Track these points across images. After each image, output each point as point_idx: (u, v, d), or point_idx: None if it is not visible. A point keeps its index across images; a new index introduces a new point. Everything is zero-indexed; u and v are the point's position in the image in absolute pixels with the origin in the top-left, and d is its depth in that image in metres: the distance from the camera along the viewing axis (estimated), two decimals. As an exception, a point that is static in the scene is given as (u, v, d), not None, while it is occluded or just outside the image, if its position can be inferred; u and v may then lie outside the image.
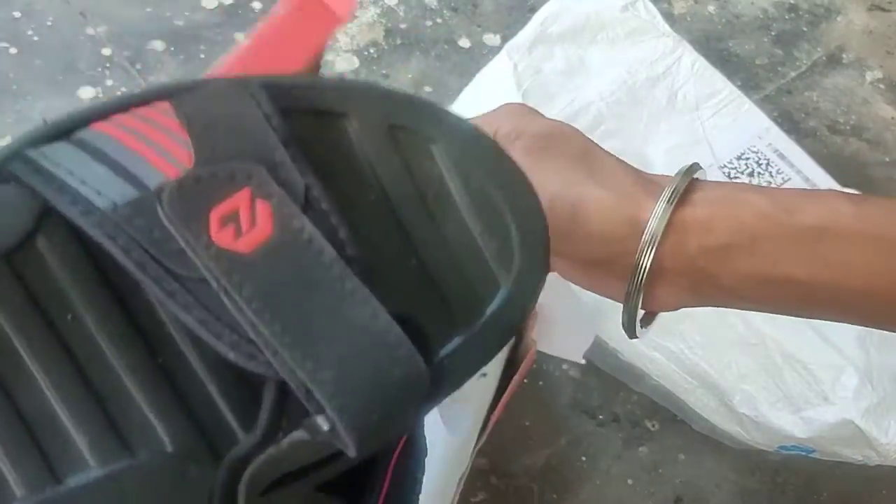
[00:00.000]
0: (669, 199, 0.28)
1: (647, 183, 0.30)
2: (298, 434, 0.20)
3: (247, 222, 0.19)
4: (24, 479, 0.19)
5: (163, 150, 0.20)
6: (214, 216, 0.19)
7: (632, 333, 0.32)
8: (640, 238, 0.28)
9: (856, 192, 0.78)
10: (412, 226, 0.21)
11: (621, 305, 0.31)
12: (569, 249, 0.29)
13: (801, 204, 0.28)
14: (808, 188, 0.32)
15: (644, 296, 0.30)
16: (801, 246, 0.28)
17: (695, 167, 0.30)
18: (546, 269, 0.23)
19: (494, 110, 0.34)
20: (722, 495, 0.67)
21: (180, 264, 0.19)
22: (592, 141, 0.32)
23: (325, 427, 0.19)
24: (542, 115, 0.32)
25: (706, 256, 0.28)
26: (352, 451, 0.19)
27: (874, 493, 0.69)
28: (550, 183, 0.28)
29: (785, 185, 0.77)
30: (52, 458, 0.20)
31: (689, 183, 0.29)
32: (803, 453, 0.65)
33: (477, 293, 0.22)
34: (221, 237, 0.19)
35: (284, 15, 0.42)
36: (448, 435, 0.49)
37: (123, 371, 0.20)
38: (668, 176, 0.30)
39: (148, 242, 0.19)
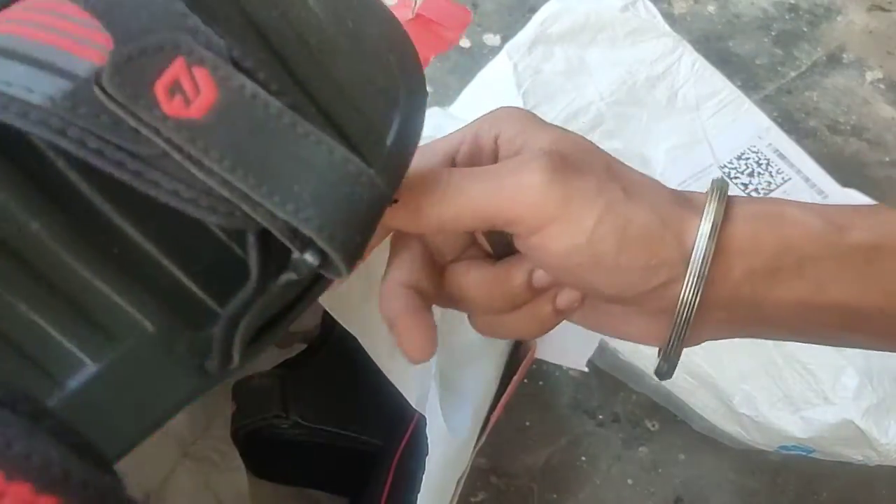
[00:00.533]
0: (714, 219, 0.25)
1: (684, 200, 0.26)
2: (287, 276, 0.21)
3: (191, 90, 0.19)
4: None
5: (78, 38, 0.19)
6: (160, 89, 0.19)
7: (669, 376, 0.28)
8: (686, 265, 0.24)
9: (857, 192, 0.79)
10: (307, 76, 0.22)
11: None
12: (609, 283, 0.25)
13: (852, 219, 0.25)
14: (855, 205, 0.28)
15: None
16: (853, 267, 0.25)
17: (725, 183, 0.27)
18: (424, 89, 0.25)
19: (492, 113, 0.30)
20: (722, 495, 0.67)
21: (137, 143, 0.19)
22: (606, 152, 0.28)
23: (315, 261, 0.21)
24: (541, 119, 0.29)
25: (751, 282, 0.25)
26: (345, 272, 0.21)
27: (874, 493, 0.69)
28: (590, 205, 0.24)
29: (785, 185, 0.77)
30: (48, 366, 0.21)
31: (726, 196, 0.26)
32: (803, 453, 0.65)
33: (376, 128, 0.23)
34: (173, 108, 0.19)
35: None
36: (448, 435, 0.49)
37: (85, 269, 0.21)
38: (696, 192, 0.27)
39: (99, 129, 0.19)
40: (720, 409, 0.66)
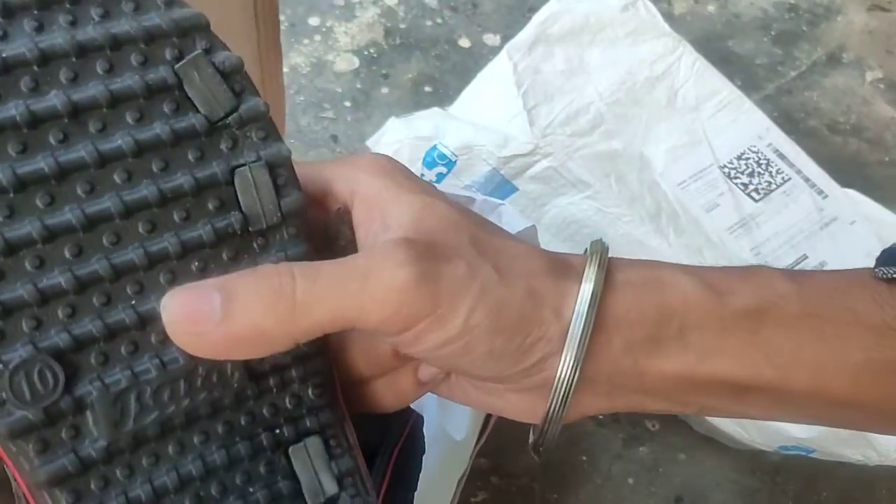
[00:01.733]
0: (593, 289, 0.23)
1: (561, 267, 0.24)
2: None
3: None
4: None
5: None
6: None
7: (546, 454, 0.26)
8: (564, 339, 0.22)
9: (856, 192, 0.79)
10: None
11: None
12: (482, 367, 0.23)
13: (734, 284, 0.24)
14: (737, 265, 0.25)
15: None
16: (736, 336, 0.23)
17: (604, 246, 0.24)
18: None
19: (352, 162, 0.25)
20: (722, 495, 0.67)
21: None
22: (472, 215, 0.25)
23: None
24: (404, 177, 0.25)
25: (632, 354, 0.23)
26: None
27: (874, 493, 0.69)
28: (461, 296, 0.22)
29: (785, 185, 0.77)
30: None
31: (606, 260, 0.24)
32: (803, 453, 0.65)
33: None
34: None
35: None
36: (446, 434, 0.49)
37: None
38: (574, 256, 0.25)
39: None
40: (720, 408, 0.66)
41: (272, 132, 0.23)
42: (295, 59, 0.88)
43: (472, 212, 0.25)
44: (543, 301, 0.23)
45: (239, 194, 0.22)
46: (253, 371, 0.23)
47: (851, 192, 0.78)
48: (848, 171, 0.87)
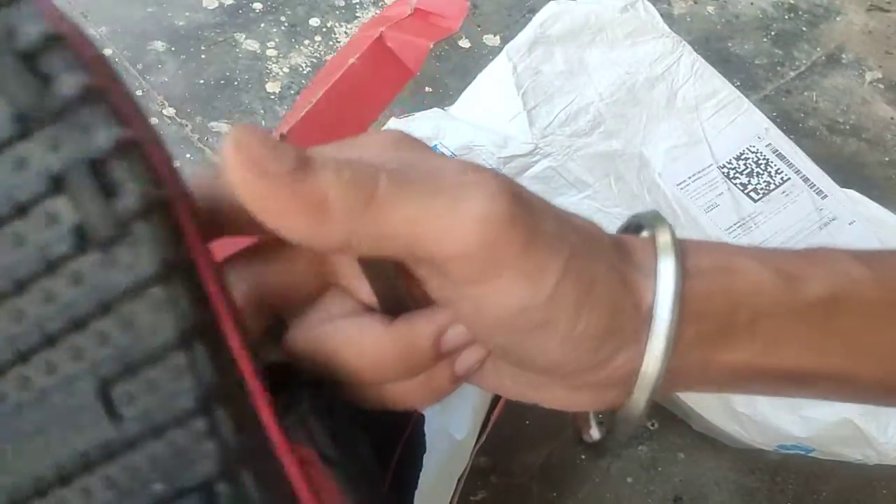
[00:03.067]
0: (675, 280, 0.20)
1: (625, 251, 0.21)
2: None
3: None
4: None
5: None
6: None
7: (610, 452, 0.24)
8: (642, 329, 0.20)
9: (856, 192, 0.79)
10: None
11: None
12: (556, 354, 0.20)
13: (806, 270, 0.22)
14: (806, 248, 0.23)
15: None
16: (809, 324, 0.21)
17: (672, 229, 0.22)
18: None
19: (369, 140, 0.21)
20: (721, 494, 0.67)
21: None
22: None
23: None
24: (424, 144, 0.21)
25: (701, 345, 0.21)
26: None
27: (873, 493, 0.69)
28: (555, 255, 0.19)
29: (784, 185, 0.77)
30: None
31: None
32: (802, 452, 0.65)
33: None
34: None
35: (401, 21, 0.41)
36: (449, 434, 0.49)
37: None
38: (632, 238, 0.22)
39: None
40: (719, 407, 0.66)
41: (103, 116, 0.17)
42: (296, 59, 0.88)
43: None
44: (626, 287, 0.20)
45: (62, 206, 0.17)
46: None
47: (851, 192, 0.78)
48: (847, 172, 0.87)
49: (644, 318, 0.20)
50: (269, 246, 0.22)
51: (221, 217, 0.20)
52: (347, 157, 0.19)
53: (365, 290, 0.22)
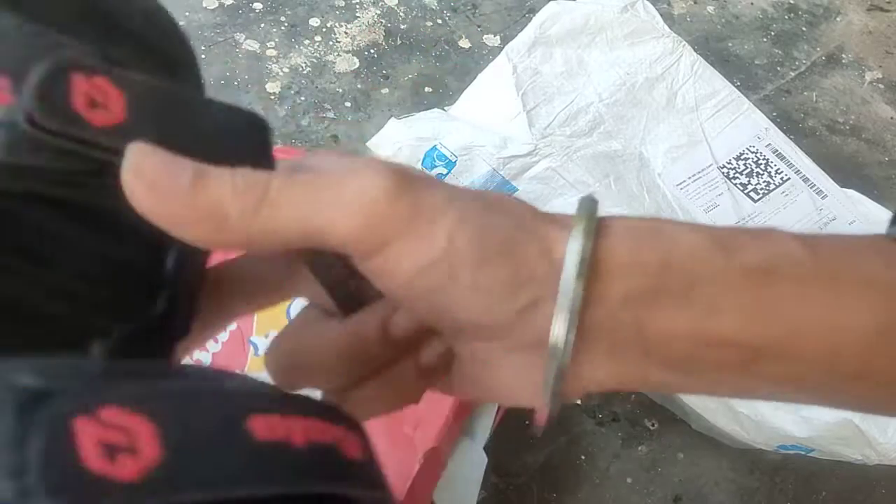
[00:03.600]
0: (586, 227, 0.21)
1: (550, 216, 0.22)
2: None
3: (103, 99, 0.19)
4: None
5: None
6: (81, 108, 0.18)
7: (546, 427, 0.23)
8: (556, 284, 0.20)
9: (855, 192, 0.79)
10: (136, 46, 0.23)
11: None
12: (469, 305, 0.21)
13: (745, 241, 0.22)
14: (751, 226, 0.22)
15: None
16: (745, 292, 0.21)
17: (594, 201, 0.22)
18: None
19: (314, 153, 0.24)
20: (721, 494, 0.67)
21: (84, 163, 0.19)
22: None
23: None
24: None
25: (632, 305, 0.21)
26: None
27: (873, 493, 0.69)
28: (441, 216, 0.20)
29: (784, 185, 0.77)
30: None
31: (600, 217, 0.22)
32: (802, 452, 0.66)
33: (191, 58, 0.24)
34: (99, 119, 0.19)
35: None
36: (469, 442, 0.51)
37: None
38: (566, 214, 0.22)
39: (49, 163, 0.19)
40: (719, 408, 0.66)
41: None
42: (296, 59, 0.88)
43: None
44: (532, 236, 0.21)
45: None
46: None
47: (850, 192, 0.78)
48: (847, 171, 0.87)
49: (557, 268, 0.21)
50: (239, 263, 0.24)
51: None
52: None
53: (323, 296, 0.23)
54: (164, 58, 0.22)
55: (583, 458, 0.67)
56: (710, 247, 0.21)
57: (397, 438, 0.47)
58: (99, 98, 0.19)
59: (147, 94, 0.20)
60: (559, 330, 0.21)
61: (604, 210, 0.22)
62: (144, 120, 0.19)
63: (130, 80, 0.19)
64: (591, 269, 0.21)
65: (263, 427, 0.16)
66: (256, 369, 0.52)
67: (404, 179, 0.20)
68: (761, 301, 0.21)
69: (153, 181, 0.19)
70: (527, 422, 0.67)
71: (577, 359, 0.21)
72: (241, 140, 0.21)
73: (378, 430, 0.50)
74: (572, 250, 0.20)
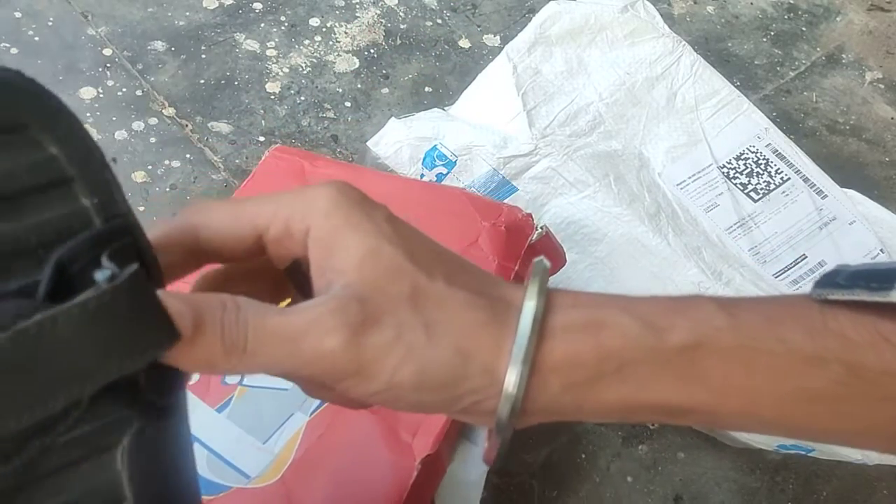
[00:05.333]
0: (524, 357, 0.24)
1: (499, 312, 0.25)
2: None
3: None
4: None
5: None
6: None
7: (496, 463, 0.27)
8: (498, 387, 0.24)
9: (856, 192, 0.79)
10: None
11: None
12: (414, 411, 0.25)
13: (671, 319, 0.25)
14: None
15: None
16: (673, 369, 0.24)
17: (543, 270, 0.26)
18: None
19: (308, 196, 0.26)
20: (721, 494, 0.67)
21: None
22: (420, 253, 0.25)
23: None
24: (360, 210, 0.25)
25: (570, 393, 0.25)
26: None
27: (873, 493, 0.69)
28: (384, 360, 0.24)
29: (784, 185, 0.77)
30: None
31: (544, 304, 0.25)
32: (802, 452, 0.66)
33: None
34: None
35: None
36: (469, 445, 0.51)
37: None
38: (517, 287, 0.26)
39: None
40: (719, 407, 0.66)
41: None
42: (295, 59, 0.88)
43: (424, 245, 0.26)
44: (473, 359, 0.24)
45: None
46: None
47: (851, 192, 0.79)
48: (847, 171, 0.87)
49: (499, 377, 0.24)
50: (235, 269, 0.29)
51: (196, 250, 0.26)
52: (278, 219, 0.26)
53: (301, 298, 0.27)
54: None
55: (583, 456, 0.67)
56: (641, 331, 0.25)
57: (395, 445, 0.47)
58: None
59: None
60: (502, 422, 0.25)
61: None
62: None
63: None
64: (532, 373, 0.24)
65: None
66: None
67: (355, 329, 0.23)
68: (687, 375, 0.24)
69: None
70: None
71: (522, 420, 0.25)
72: (106, 327, 0.20)
73: (376, 438, 0.50)
74: (514, 364, 0.24)
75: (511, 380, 0.24)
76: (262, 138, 0.80)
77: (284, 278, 0.27)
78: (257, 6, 0.92)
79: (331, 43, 0.91)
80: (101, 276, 0.20)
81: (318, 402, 0.50)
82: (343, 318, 0.23)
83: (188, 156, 0.78)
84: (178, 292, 0.23)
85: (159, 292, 0.21)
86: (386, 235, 0.25)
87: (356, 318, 0.23)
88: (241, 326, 0.23)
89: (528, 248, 0.57)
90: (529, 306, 0.24)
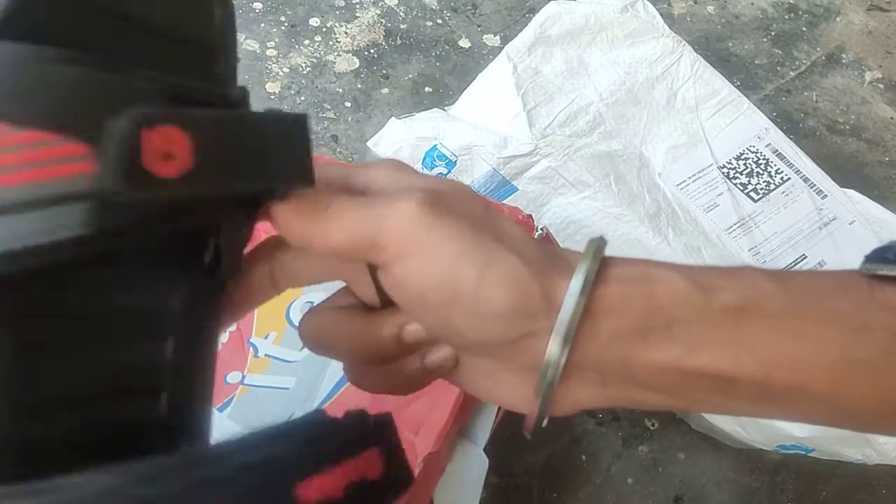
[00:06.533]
0: (586, 278, 0.24)
1: (554, 256, 0.25)
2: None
3: (172, 148, 0.20)
4: None
5: (51, 160, 0.20)
6: (155, 164, 0.20)
7: (533, 434, 0.27)
8: (553, 318, 0.24)
9: (856, 192, 0.79)
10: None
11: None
12: (470, 325, 0.24)
13: (719, 281, 0.25)
14: (735, 264, 0.25)
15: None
16: (720, 330, 0.24)
17: (602, 242, 0.26)
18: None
19: (368, 164, 0.28)
20: (721, 494, 0.67)
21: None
22: (490, 201, 0.26)
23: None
24: (416, 170, 0.27)
25: (620, 343, 0.24)
26: None
27: (873, 493, 0.69)
28: (453, 238, 0.24)
29: (784, 185, 0.77)
30: None
31: (601, 257, 0.25)
32: (802, 452, 0.66)
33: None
34: (169, 171, 0.20)
35: None
36: (469, 444, 0.51)
37: None
38: (569, 250, 0.26)
39: (135, 222, 0.21)
40: (719, 408, 0.66)
41: None
42: (296, 59, 0.88)
43: (487, 198, 0.26)
44: (535, 278, 0.24)
45: None
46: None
47: (850, 192, 0.78)
48: (847, 171, 0.87)
49: (555, 309, 0.24)
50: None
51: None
52: (355, 178, 0.27)
53: (362, 290, 0.27)
54: (201, 47, 0.23)
55: (584, 457, 0.67)
56: (690, 288, 0.25)
57: (399, 443, 0.48)
58: (169, 149, 0.20)
59: (211, 130, 0.21)
60: (553, 355, 0.24)
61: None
62: (211, 160, 0.21)
63: (196, 121, 0.21)
64: (584, 312, 0.24)
65: (307, 490, 0.19)
66: (256, 371, 0.52)
67: (432, 204, 0.24)
68: (736, 338, 0.24)
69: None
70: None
71: (568, 383, 0.25)
72: (288, 144, 0.23)
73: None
74: (571, 294, 0.24)
75: (568, 306, 0.24)
76: (262, 138, 0.80)
77: None
78: (257, 6, 0.92)
79: (331, 43, 0.91)
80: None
81: (318, 401, 0.50)
82: (422, 194, 0.24)
83: (188, 156, 0.78)
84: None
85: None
86: (447, 179, 0.27)
87: (434, 197, 0.24)
88: (318, 194, 0.24)
89: None
90: (589, 249, 0.25)
